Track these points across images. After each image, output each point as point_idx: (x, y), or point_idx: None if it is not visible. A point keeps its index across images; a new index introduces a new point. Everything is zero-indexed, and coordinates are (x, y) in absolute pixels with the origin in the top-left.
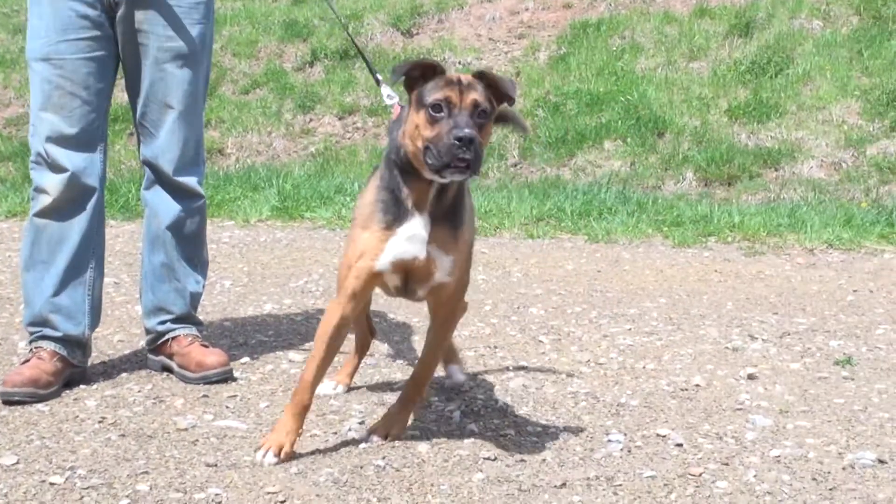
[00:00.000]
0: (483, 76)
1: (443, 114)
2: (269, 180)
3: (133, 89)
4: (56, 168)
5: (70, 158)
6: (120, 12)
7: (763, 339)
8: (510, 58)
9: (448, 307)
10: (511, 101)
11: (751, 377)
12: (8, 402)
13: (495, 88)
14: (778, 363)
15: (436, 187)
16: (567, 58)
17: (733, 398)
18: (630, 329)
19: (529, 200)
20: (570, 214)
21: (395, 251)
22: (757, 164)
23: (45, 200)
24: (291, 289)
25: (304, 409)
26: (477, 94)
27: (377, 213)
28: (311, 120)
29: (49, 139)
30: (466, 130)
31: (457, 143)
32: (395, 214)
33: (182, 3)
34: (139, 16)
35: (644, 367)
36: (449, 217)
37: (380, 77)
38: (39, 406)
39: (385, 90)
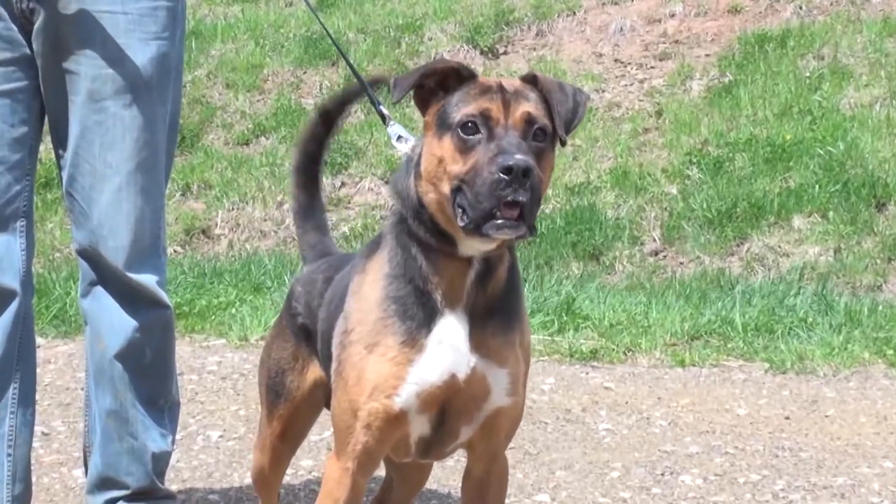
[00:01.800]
0: (537, 81)
1: (479, 135)
2: (280, 276)
3: (59, 139)
4: None
5: None
6: (37, 23)
7: None
8: (647, 89)
9: (505, 445)
10: (562, 130)
11: None
12: None
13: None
14: None
15: (476, 268)
16: (735, 89)
17: None
18: None
19: (678, 308)
20: (740, 329)
21: (423, 376)
22: None
23: None
24: (312, 444)
25: None
26: (530, 106)
27: (390, 319)
28: (343, 184)
29: None
30: (518, 156)
31: (503, 176)
32: (418, 318)
33: (130, 9)
34: (65, 29)
35: None
36: (498, 310)
37: (385, 111)
38: None
39: (394, 129)
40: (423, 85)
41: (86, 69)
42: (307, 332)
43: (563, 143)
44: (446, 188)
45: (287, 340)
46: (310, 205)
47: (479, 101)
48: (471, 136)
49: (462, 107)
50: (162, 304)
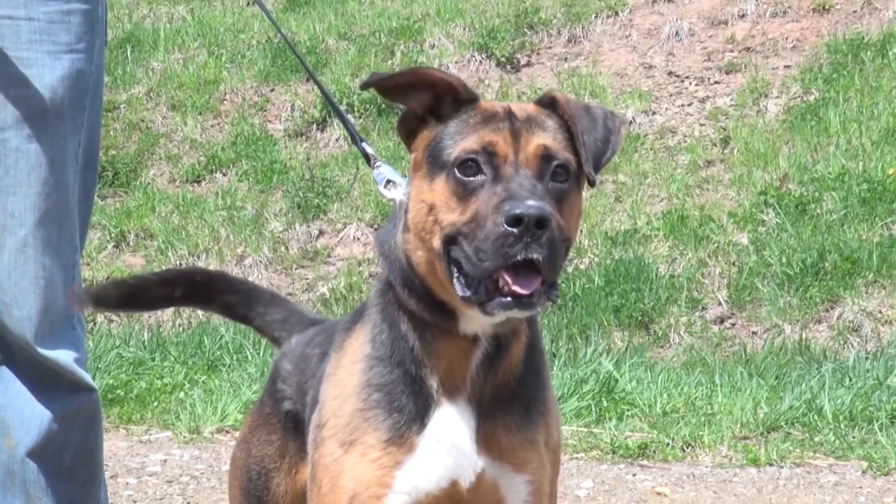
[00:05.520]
0: (556, 104)
1: (482, 177)
2: (240, 350)
3: None
4: None
5: None
6: None
7: None
8: (709, 110)
9: None
10: (589, 166)
11: None
12: None
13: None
14: None
15: (484, 347)
16: (822, 109)
17: None
18: None
19: (751, 391)
20: (830, 419)
21: (415, 482)
22: None
23: None
24: None
25: None
26: (546, 137)
27: (371, 411)
28: (321, 233)
29: None
30: (530, 202)
31: (509, 228)
32: (408, 410)
33: (36, 14)
34: None
35: None
36: (513, 398)
37: (370, 149)
38: None
39: (382, 172)
40: (406, 115)
41: None
42: (297, 422)
43: (592, 183)
44: (437, 242)
45: (272, 432)
46: (244, 298)
47: (482, 131)
48: (472, 178)
49: (460, 140)
50: (84, 386)
